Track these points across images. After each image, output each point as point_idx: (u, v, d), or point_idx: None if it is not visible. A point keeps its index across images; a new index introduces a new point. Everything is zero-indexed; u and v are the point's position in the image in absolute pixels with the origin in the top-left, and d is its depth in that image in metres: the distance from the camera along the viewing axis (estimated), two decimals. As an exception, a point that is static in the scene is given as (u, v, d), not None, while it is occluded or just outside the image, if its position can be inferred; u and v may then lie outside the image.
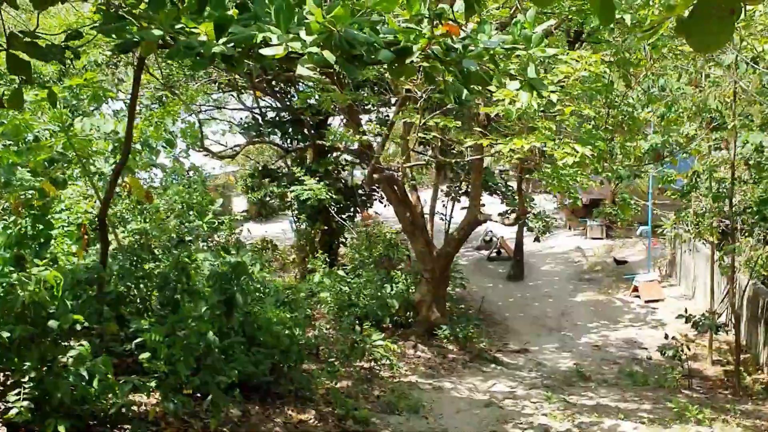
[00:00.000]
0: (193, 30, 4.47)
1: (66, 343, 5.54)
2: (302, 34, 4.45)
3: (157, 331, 5.84)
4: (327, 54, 4.39)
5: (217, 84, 17.54)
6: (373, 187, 19.15)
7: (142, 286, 6.79)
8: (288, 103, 17.43)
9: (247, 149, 21.75)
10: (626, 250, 24.60)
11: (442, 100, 8.85)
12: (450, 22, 4.78)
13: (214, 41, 4.36)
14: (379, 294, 13.11)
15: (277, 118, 18.46)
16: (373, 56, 4.66)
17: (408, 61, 4.78)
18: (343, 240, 20.43)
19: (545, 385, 11.42)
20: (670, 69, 11.06)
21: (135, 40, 4.53)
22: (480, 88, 5.10)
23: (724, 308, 16.72)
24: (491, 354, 14.31)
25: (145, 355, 5.98)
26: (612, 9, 3.28)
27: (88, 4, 10.59)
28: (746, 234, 16.94)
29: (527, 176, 11.87)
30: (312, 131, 17.50)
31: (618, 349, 16.87)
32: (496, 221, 13.11)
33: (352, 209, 18.93)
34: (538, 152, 7.97)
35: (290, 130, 18.04)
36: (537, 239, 16.09)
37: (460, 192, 16.97)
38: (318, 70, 4.01)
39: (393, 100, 14.86)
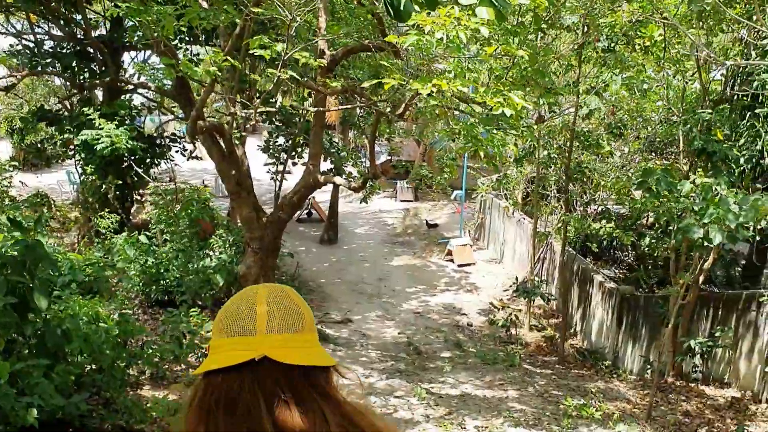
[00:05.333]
0: None
1: None
2: None
3: None
4: None
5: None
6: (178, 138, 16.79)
7: None
8: (76, 30, 14.25)
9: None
10: (436, 213, 24.48)
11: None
12: None
13: None
14: (195, 267, 11.02)
15: (59, 49, 15.09)
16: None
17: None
18: (138, 197, 17.75)
19: (399, 371, 10.29)
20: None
21: None
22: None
23: (534, 274, 16.86)
24: (318, 329, 12.92)
25: None
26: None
27: None
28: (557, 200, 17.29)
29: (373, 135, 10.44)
30: (104, 67, 14.54)
31: (440, 315, 16.41)
32: (341, 184, 11.58)
33: (148, 161, 16.24)
34: (448, 101, 6.53)
35: (75, 64, 14.83)
36: (364, 200, 14.88)
37: (281, 149, 15.13)
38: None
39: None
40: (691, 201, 7.19)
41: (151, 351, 7.03)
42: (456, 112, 9.68)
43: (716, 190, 6.91)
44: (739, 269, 15.90)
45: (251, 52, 6.87)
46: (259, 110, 7.95)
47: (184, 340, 7.58)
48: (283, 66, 7.01)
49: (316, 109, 8.82)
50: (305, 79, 8.65)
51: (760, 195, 6.38)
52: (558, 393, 9.32)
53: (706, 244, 6.59)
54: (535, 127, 12.81)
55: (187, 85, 10.39)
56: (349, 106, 8.95)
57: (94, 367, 5.73)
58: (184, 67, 6.47)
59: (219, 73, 6.85)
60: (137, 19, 6.15)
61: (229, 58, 6.50)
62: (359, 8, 8.49)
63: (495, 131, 6.29)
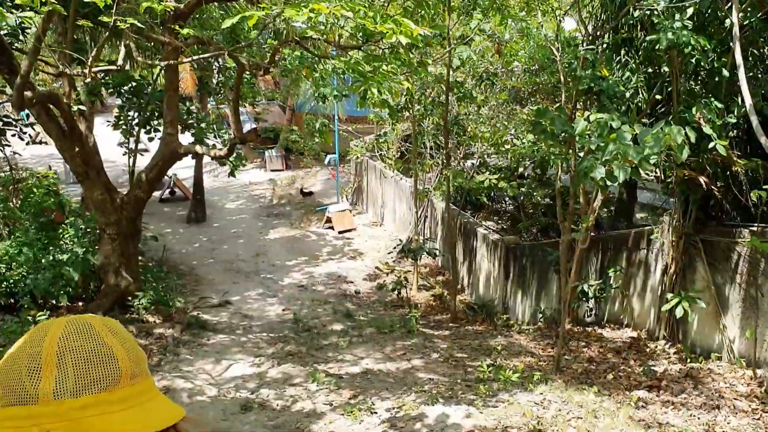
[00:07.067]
0: None
1: None
2: None
3: None
4: None
5: None
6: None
7: None
8: None
9: None
10: (310, 180, 23.55)
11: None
12: None
13: None
14: (43, 261, 9.53)
15: None
16: None
17: None
18: (-30, 190, 15.53)
19: (290, 354, 9.37)
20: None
21: None
22: None
23: (417, 233, 16.46)
24: (195, 316, 11.80)
25: None
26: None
27: None
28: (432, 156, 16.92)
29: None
30: None
31: (325, 286, 15.66)
32: (204, 153, 10.35)
33: (-21, 147, 14.17)
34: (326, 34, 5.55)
35: None
36: (232, 173, 13.63)
37: (134, 123, 13.52)
38: None
39: None
40: (587, 139, 6.78)
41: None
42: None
43: (611, 126, 6.53)
44: (613, 208, 16.26)
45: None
46: (96, 69, 6.68)
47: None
48: (121, 13, 5.83)
49: (166, 63, 7.62)
50: (151, 30, 7.42)
51: (661, 126, 6.03)
52: (463, 355, 8.85)
53: (609, 183, 6.18)
54: (430, 62, 12.13)
55: (7, 51, 8.80)
56: (206, 54, 7.77)
57: None
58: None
59: (39, 21, 5.57)
60: None
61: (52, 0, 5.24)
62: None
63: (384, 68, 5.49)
